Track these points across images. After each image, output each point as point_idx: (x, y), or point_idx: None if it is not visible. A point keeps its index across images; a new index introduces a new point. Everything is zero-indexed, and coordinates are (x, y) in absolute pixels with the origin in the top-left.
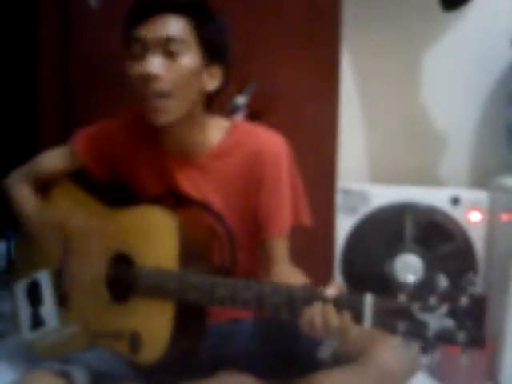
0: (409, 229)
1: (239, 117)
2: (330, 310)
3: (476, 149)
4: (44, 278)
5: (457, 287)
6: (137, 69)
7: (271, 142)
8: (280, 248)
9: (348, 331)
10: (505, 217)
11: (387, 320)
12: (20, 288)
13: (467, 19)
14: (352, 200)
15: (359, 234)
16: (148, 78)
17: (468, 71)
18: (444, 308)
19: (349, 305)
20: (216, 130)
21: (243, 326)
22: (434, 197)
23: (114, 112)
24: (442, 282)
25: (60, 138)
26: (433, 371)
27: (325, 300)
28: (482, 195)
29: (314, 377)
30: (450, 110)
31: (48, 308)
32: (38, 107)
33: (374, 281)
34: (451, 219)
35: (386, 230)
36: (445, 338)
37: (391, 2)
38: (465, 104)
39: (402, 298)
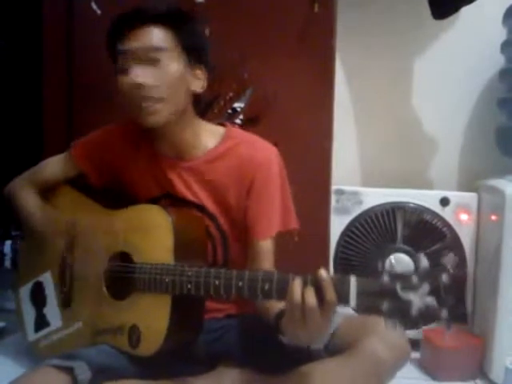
0: (400, 229)
1: (237, 121)
2: (310, 289)
3: (466, 153)
4: (47, 280)
5: (437, 266)
6: (125, 80)
7: (263, 150)
8: (265, 251)
9: (333, 307)
10: (493, 218)
11: (371, 300)
12: (24, 291)
13: (458, 26)
14: (345, 201)
15: (352, 234)
16: (136, 88)
17: (458, 77)
18: (426, 287)
19: (335, 286)
20: (211, 136)
21: (238, 321)
22: (424, 199)
23: (118, 118)
24: (423, 261)
25: (64, 143)
26: (423, 366)
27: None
28: (471, 197)
29: (306, 368)
30: (440, 115)
31: (51, 309)
32: (43, 113)
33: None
34: (441, 220)
35: (379, 230)
36: (428, 315)
37: (383, 10)
38: (455, 109)
39: (385, 278)
